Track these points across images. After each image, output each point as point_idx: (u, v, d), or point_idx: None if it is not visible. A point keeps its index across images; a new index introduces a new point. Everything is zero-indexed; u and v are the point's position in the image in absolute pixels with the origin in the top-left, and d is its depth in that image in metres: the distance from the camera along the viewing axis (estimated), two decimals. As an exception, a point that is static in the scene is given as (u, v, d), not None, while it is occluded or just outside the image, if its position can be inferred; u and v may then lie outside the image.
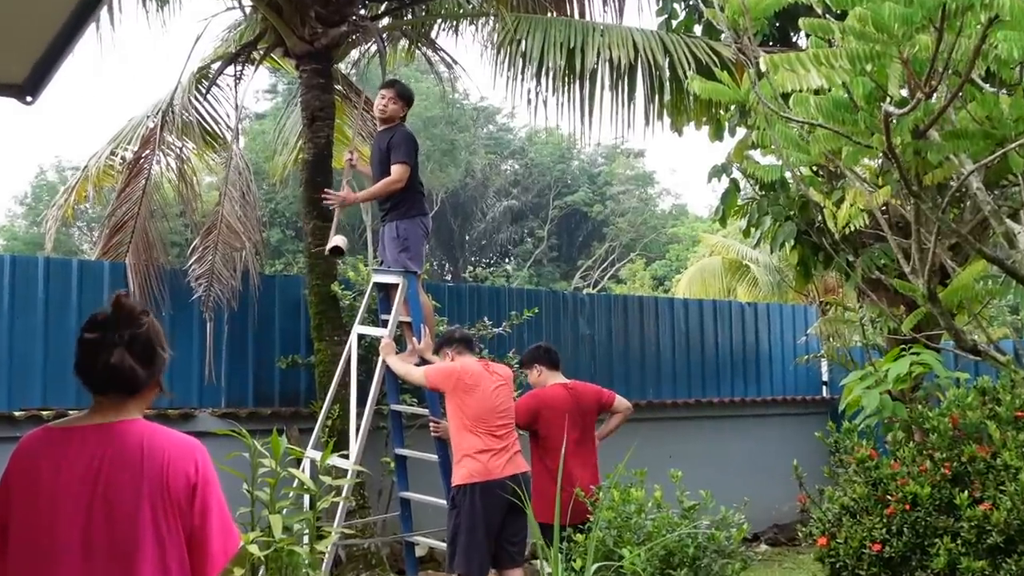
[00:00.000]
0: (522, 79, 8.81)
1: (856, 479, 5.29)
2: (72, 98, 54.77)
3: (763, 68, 4.23)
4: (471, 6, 10.49)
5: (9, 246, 31.76)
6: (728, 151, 8.42)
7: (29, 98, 3.79)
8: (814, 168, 7.06)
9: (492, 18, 9.50)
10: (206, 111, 9.85)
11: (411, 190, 7.43)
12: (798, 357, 12.24)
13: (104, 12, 8.18)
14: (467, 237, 40.43)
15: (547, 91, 8.81)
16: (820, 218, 6.40)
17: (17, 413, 7.52)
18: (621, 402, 7.08)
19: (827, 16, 4.34)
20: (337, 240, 7.61)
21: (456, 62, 10.42)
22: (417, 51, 10.63)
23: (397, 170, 7.30)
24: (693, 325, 11.99)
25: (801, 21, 4.27)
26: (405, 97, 7.61)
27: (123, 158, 9.53)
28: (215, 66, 9.77)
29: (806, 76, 4.08)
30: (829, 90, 4.19)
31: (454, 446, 6.29)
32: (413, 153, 7.43)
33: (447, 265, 40.59)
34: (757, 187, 8.34)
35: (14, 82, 3.71)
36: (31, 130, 53.16)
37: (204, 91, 9.70)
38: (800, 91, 4.15)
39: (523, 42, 8.69)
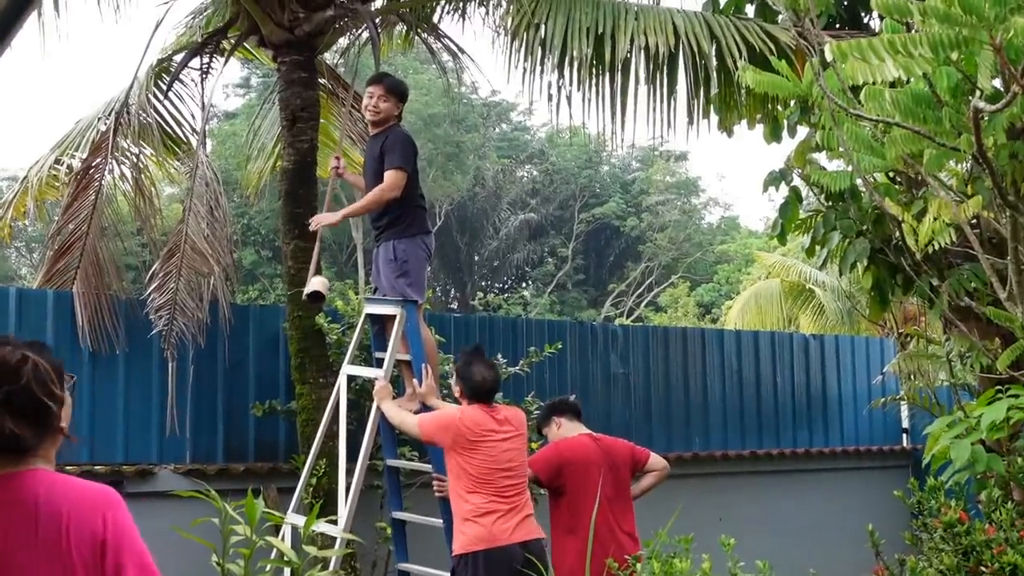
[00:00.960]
0: (541, 70, 8.81)
1: (944, 547, 5.26)
2: (9, 97, 55.29)
3: (828, 56, 4.24)
4: (480, -16, 10.54)
5: (-66, 271, 31.97)
6: (787, 154, 8.42)
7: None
8: (890, 175, 7.06)
9: (505, -1, 9.54)
10: (167, 111, 9.91)
11: (409, 203, 7.44)
12: (873, 400, 12.19)
13: (47, -4, 8.23)
14: (476, 257, 40.54)
15: (571, 84, 8.81)
16: (898, 234, 6.39)
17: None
18: (657, 460, 7.10)
19: (904, -5, 4.35)
20: (316, 284, 7.59)
21: (463, 51, 10.44)
22: (416, 38, 10.68)
23: (391, 177, 7.31)
24: (747, 362, 11.96)
25: (873, 1, 4.28)
26: (397, 92, 7.63)
27: (69, 167, 9.59)
28: (178, 58, 9.82)
29: (880, 66, 4.09)
30: (907, 82, 4.20)
31: (454, 509, 6.29)
32: (411, 158, 7.45)
33: (453, 291, 40.71)
34: (822, 197, 8.34)
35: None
36: (-40, 134, 53.61)
37: (165, 88, 9.76)
38: (873, 84, 4.16)
39: (543, 27, 8.71)
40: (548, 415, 7.12)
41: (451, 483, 6.29)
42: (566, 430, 6.96)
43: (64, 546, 2.62)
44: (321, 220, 7.71)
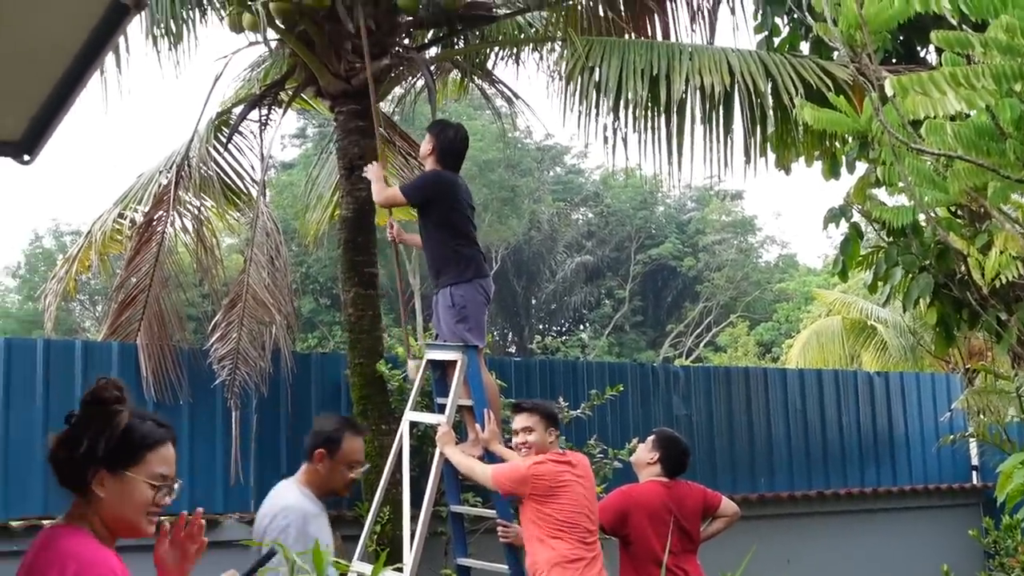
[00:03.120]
0: (596, 113, 8.82)
1: (1022, 587, 5.16)
2: (73, 153, 56.36)
3: (888, 91, 4.20)
4: (534, 31, 10.59)
5: (1, 326, 32.46)
6: (847, 191, 8.37)
7: (27, 156, 3.88)
8: (953, 209, 6.99)
9: (559, 44, 9.59)
10: (227, 163, 10.05)
11: (465, 247, 7.43)
12: (941, 437, 12.01)
13: (110, 55, 8.39)
14: (533, 301, 40.59)
15: (626, 126, 8.82)
16: (963, 268, 6.32)
17: (14, 523, 7.58)
18: (728, 505, 7.00)
19: (963, 27, 4.32)
20: None
21: (517, 96, 10.51)
22: (471, 84, 10.75)
23: (390, 189, 7.60)
24: (811, 401, 11.85)
25: (933, 34, 4.25)
26: (430, 130, 7.62)
27: (132, 220, 9.73)
28: (236, 111, 9.95)
29: (941, 99, 4.05)
30: (969, 115, 4.15)
31: (533, 558, 6.15)
32: (423, 191, 7.42)
33: (510, 335, 40.74)
34: (884, 233, 8.28)
35: (10, 139, 3.81)
36: (25, 191, 54.62)
37: (224, 140, 9.89)
38: (934, 117, 4.12)
39: (597, 70, 8.73)
40: (662, 446, 6.86)
41: (528, 530, 6.17)
42: (650, 471, 6.84)
43: None
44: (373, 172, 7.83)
